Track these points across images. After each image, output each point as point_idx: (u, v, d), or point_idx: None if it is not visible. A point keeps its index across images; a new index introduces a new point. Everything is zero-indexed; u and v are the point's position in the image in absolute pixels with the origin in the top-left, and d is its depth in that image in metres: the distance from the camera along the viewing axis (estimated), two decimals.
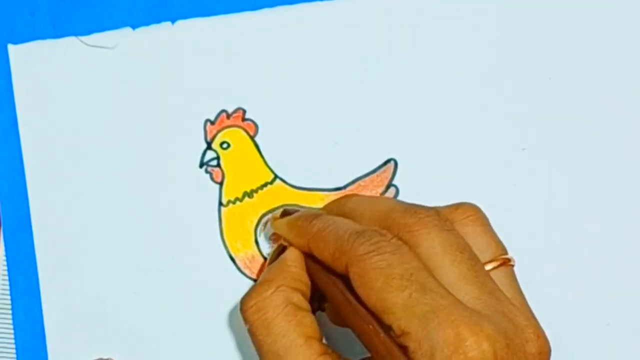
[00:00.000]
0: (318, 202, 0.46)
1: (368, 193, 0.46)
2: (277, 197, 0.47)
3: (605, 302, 0.46)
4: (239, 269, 0.46)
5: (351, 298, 0.39)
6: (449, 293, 0.37)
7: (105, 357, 0.46)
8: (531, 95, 0.47)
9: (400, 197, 0.46)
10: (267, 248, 0.46)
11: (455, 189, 0.46)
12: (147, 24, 0.47)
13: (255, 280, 0.46)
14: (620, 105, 0.46)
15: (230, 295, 0.46)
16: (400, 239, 0.39)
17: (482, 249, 0.40)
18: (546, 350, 0.38)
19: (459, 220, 0.41)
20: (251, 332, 0.40)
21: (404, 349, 0.36)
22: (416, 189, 0.46)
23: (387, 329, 0.37)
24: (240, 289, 0.46)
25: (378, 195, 0.46)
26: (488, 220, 0.42)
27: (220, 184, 0.47)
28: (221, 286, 0.46)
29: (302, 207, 0.46)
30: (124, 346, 0.46)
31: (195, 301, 0.46)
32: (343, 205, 0.43)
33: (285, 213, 0.44)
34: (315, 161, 0.47)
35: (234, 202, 0.47)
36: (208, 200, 0.47)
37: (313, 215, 0.42)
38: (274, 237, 0.46)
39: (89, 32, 0.47)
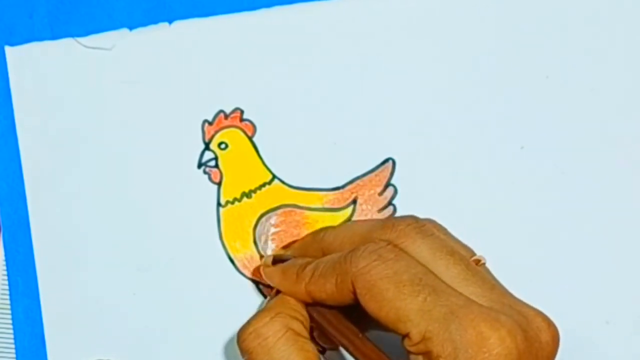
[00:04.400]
0: (316, 202, 0.46)
1: (367, 192, 0.46)
2: (275, 197, 0.47)
3: (605, 300, 0.46)
4: (237, 269, 0.46)
5: (357, 330, 0.39)
6: (461, 293, 0.37)
7: (104, 357, 0.46)
8: (529, 94, 0.46)
9: (398, 196, 0.46)
10: (265, 248, 0.46)
11: (453, 188, 0.46)
12: (145, 24, 0.47)
13: (254, 281, 0.46)
14: (618, 104, 0.46)
15: (229, 295, 0.46)
16: None
17: None
18: (557, 336, 0.38)
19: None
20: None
21: (425, 355, 0.36)
22: (415, 188, 0.46)
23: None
24: (239, 289, 0.46)
25: (377, 194, 0.46)
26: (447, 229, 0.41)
27: (219, 184, 0.47)
28: (220, 286, 0.46)
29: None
30: (123, 347, 0.46)
31: (194, 302, 0.46)
32: (320, 240, 0.43)
33: (276, 260, 0.43)
34: (313, 161, 0.47)
35: (232, 203, 0.47)
36: (206, 201, 0.47)
37: (305, 262, 0.41)
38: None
39: (86, 34, 0.47)
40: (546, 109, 0.46)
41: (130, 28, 0.47)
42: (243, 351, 0.40)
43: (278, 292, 0.42)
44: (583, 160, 0.46)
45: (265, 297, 0.46)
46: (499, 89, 0.47)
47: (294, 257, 0.43)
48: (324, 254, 0.42)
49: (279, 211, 0.46)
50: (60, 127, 0.47)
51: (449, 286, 0.37)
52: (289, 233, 0.46)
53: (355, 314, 0.40)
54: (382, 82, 0.47)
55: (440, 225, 0.41)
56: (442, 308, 0.36)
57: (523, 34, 0.47)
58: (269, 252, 0.46)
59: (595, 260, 0.46)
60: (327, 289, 0.39)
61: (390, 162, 0.47)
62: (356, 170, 0.47)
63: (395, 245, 0.38)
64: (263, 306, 0.43)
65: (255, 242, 0.46)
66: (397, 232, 0.39)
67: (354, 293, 0.38)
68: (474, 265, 0.39)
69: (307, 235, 0.45)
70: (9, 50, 0.47)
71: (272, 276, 0.43)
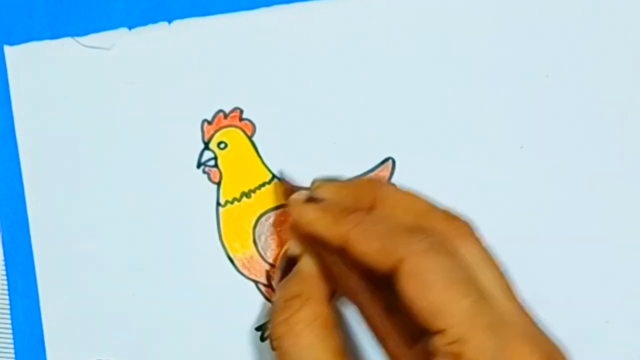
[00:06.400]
0: None
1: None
2: (275, 197, 0.46)
3: (605, 299, 0.46)
4: (237, 269, 0.46)
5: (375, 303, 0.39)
6: (507, 305, 0.37)
7: (104, 357, 0.46)
8: (529, 93, 0.46)
9: None
10: (265, 248, 0.46)
11: (453, 187, 0.46)
12: (144, 24, 0.47)
13: (253, 281, 0.46)
14: (618, 103, 0.46)
15: (229, 295, 0.46)
16: None
17: None
18: None
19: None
20: (278, 346, 0.39)
21: (455, 356, 0.36)
22: (414, 187, 0.46)
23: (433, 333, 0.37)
24: (238, 289, 0.46)
25: None
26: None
27: (218, 184, 0.47)
28: (220, 286, 0.46)
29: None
30: (122, 347, 0.46)
31: (194, 302, 0.46)
32: (378, 188, 0.42)
33: (311, 199, 0.42)
34: (313, 160, 0.47)
35: (231, 203, 0.47)
36: (206, 201, 0.47)
37: (354, 207, 0.40)
38: (278, 237, 0.45)
39: (85, 33, 0.47)
40: (546, 108, 0.46)
41: (130, 27, 0.47)
42: (272, 335, 0.40)
43: (289, 260, 0.42)
44: (583, 159, 0.46)
45: (264, 296, 0.46)
46: (499, 88, 0.47)
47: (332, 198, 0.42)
48: (371, 205, 0.41)
49: (279, 211, 0.46)
50: (59, 127, 0.47)
51: (492, 297, 0.37)
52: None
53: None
54: (382, 81, 0.47)
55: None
56: (487, 317, 0.36)
57: (523, 33, 0.47)
58: (269, 252, 0.46)
59: (595, 260, 0.46)
60: (368, 248, 0.38)
61: (390, 161, 0.47)
62: (356, 170, 0.47)
63: (451, 243, 0.38)
64: (278, 272, 0.43)
65: (254, 242, 0.46)
66: (455, 227, 0.39)
67: (393, 270, 0.37)
68: (512, 285, 0.38)
69: (362, 179, 0.44)
70: (8, 49, 0.47)
71: (307, 212, 0.41)
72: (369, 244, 0.38)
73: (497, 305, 0.36)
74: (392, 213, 0.40)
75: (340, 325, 0.41)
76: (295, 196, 0.43)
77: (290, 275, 0.42)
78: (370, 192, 0.42)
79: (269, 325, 0.41)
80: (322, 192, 0.43)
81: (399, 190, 0.43)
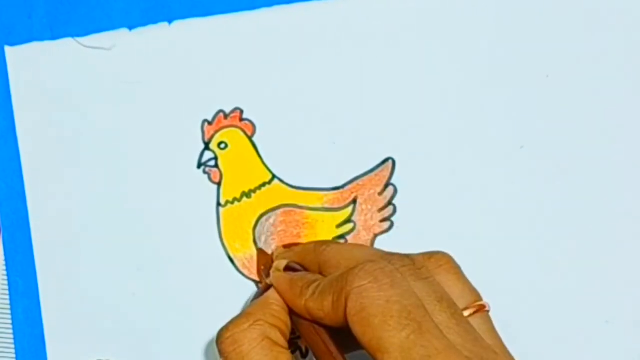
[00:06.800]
0: (316, 201, 0.46)
1: (366, 192, 0.46)
2: (275, 197, 0.47)
3: (605, 299, 0.46)
4: (237, 269, 0.46)
5: (334, 351, 0.39)
6: (444, 336, 0.36)
7: (104, 358, 0.46)
8: (529, 93, 0.46)
9: (398, 196, 0.46)
10: (265, 248, 0.46)
11: (453, 187, 0.46)
12: (144, 24, 0.47)
13: (254, 281, 0.46)
14: (618, 103, 0.46)
15: (229, 295, 0.46)
16: None
17: (456, 296, 0.39)
18: None
19: (432, 270, 0.40)
20: None
21: None
22: (414, 187, 0.46)
23: None
24: (239, 289, 0.46)
25: (376, 194, 0.46)
26: (460, 268, 0.41)
27: (218, 184, 0.47)
28: (220, 286, 0.46)
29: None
30: (122, 347, 0.46)
31: (194, 302, 0.46)
32: (320, 253, 0.42)
33: (289, 268, 0.43)
34: (313, 161, 0.47)
35: (232, 203, 0.47)
36: (206, 201, 0.47)
37: (313, 279, 0.40)
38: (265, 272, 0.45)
39: (86, 34, 0.47)
40: (546, 108, 0.46)
41: (130, 28, 0.47)
42: (220, 353, 0.40)
43: (268, 287, 0.42)
44: (583, 159, 0.46)
45: None
46: (499, 88, 0.47)
47: (304, 267, 0.42)
48: (320, 267, 0.42)
49: (279, 211, 0.46)
50: (59, 127, 0.47)
51: (436, 327, 0.36)
52: (288, 233, 0.46)
53: (345, 330, 0.39)
54: (382, 81, 0.47)
55: (450, 265, 0.40)
56: (422, 349, 0.35)
57: (523, 34, 0.47)
58: (270, 252, 0.46)
59: (595, 260, 0.46)
60: (325, 308, 0.38)
61: (390, 161, 0.47)
62: (356, 170, 0.47)
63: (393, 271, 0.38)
64: (249, 303, 0.43)
65: (255, 242, 0.46)
66: (392, 268, 0.38)
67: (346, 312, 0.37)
68: (460, 315, 0.38)
69: (309, 243, 0.45)
70: (8, 50, 0.47)
71: (279, 282, 0.42)
72: (322, 306, 0.39)
73: (434, 336, 0.36)
74: (336, 269, 0.40)
75: None
76: (276, 264, 0.43)
77: (258, 299, 0.42)
78: (316, 255, 0.43)
79: (216, 340, 0.40)
80: (281, 259, 0.44)
81: (340, 244, 0.44)
